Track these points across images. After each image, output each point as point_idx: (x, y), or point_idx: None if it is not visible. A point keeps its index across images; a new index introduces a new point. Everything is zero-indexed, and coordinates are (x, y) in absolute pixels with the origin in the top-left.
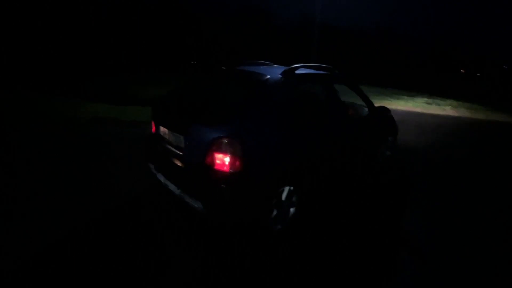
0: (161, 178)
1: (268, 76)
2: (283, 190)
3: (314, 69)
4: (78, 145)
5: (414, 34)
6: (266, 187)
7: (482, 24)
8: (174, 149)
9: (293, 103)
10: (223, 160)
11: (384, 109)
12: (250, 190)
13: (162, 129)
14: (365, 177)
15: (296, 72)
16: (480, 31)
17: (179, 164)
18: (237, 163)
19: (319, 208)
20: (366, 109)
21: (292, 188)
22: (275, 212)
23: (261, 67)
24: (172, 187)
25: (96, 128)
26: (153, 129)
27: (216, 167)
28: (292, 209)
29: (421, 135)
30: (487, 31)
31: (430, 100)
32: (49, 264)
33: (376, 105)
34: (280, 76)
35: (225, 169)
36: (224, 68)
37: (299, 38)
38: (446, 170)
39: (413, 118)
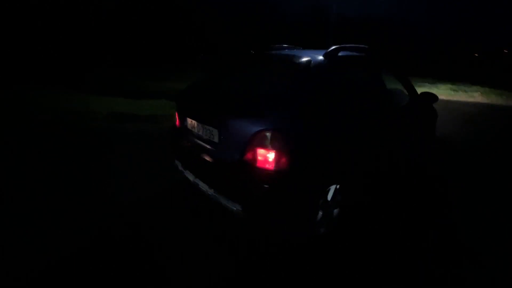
0: (190, 176)
1: (310, 59)
2: (329, 189)
3: (355, 50)
4: (95, 140)
5: (422, 21)
6: (314, 186)
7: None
8: (205, 144)
9: (339, 90)
10: (266, 156)
11: (430, 95)
12: (296, 191)
13: (189, 121)
14: (410, 172)
15: (339, 54)
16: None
17: (211, 160)
18: (283, 159)
19: (364, 208)
20: (408, 96)
21: (338, 186)
22: (320, 214)
23: (294, 50)
24: (203, 186)
25: (113, 123)
26: (177, 122)
27: (258, 164)
28: (336, 210)
29: (456, 126)
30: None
31: (454, 87)
32: (49, 264)
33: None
34: (323, 58)
35: (269, 166)
36: (253, 52)
37: (307, 27)
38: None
39: (442, 106)
